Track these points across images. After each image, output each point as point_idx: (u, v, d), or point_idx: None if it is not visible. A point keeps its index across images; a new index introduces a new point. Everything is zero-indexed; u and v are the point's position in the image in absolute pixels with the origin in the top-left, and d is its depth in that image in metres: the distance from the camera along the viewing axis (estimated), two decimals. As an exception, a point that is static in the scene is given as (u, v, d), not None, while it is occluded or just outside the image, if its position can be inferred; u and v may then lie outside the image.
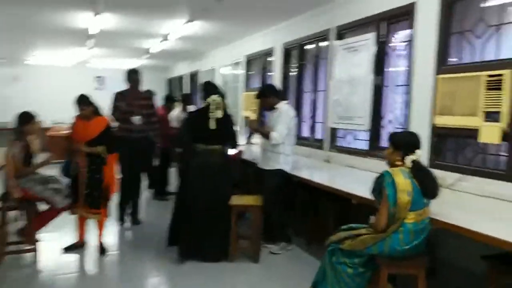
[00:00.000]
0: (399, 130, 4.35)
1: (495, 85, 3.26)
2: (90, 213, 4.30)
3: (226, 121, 4.21)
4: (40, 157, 4.32)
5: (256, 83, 8.20)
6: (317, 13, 5.86)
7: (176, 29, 7.49)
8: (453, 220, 2.61)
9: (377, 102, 4.79)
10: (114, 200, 4.70)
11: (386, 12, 4.58)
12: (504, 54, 3.39)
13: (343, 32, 5.39)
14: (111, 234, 4.83)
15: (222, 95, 4.25)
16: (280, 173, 4.38)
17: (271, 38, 7.37)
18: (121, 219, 5.27)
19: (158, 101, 7.04)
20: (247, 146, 6.88)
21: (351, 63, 5.10)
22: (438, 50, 3.88)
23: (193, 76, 12.42)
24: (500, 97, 3.22)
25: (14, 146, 4.02)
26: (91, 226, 4.54)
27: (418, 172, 2.71)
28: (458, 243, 3.26)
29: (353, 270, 2.80)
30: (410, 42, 4.28)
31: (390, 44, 4.73)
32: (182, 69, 13.49)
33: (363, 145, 5.09)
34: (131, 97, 5.01)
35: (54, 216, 4.25)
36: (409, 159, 2.75)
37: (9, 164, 3.98)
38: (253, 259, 4.17)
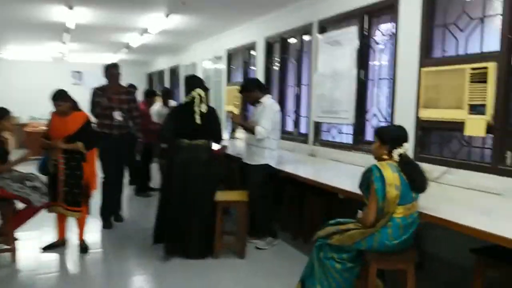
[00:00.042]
0: (385, 124, 4.36)
1: (479, 78, 3.28)
2: (69, 211, 4.18)
3: (211, 116, 4.12)
4: (16, 154, 4.18)
5: (239, 78, 8.14)
6: (299, 6, 5.81)
7: (155, 23, 7.35)
8: (441, 214, 2.60)
9: (361, 96, 4.79)
10: (95, 197, 4.57)
11: (369, 5, 4.56)
12: (488, 47, 3.40)
13: (325, 25, 5.36)
14: (92, 232, 4.71)
15: (206, 89, 4.17)
16: (266, 168, 4.33)
17: (252, 31, 7.30)
18: (108, 225, 5.07)
19: (139, 95, 6.92)
20: (231, 141, 6.83)
21: (335, 57, 5.08)
22: (422, 43, 3.88)
23: (174, 70, 12.26)
24: (485, 90, 3.23)
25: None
26: (72, 224, 4.42)
27: (406, 165, 2.69)
28: (445, 236, 3.29)
29: (341, 266, 2.77)
30: (393, 35, 4.27)
31: (373, 38, 4.72)
32: (163, 64, 13.31)
33: (348, 139, 5.09)
34: (111, 92, 4.87)
35: (32, 215, 4.13)
36: (396, 153, 2.72)
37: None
38: (239, 255, 4.12)
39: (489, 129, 3.24)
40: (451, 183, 3.48)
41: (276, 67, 6.74)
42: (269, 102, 4.41)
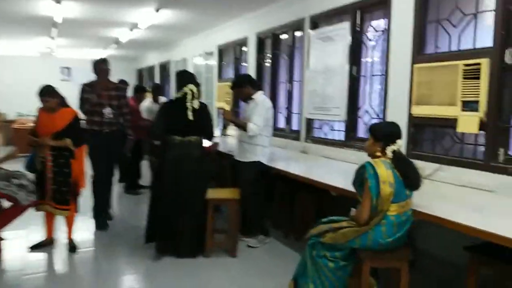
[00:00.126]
0: (377, 121, 4.34)
1: (472, 74, 3.25)
2: (58, 209, 4.12)
3: (203, 112, 4.06)
4: (3, 152, 4.09)
5: (230, 74, 8.07)
6: (291, 1, 5.77)
7: (145, 17, 7.26)
8: (433, 211, 2.58)
9: (353, 92, 4.76)
10: (84, 195, 4.50)
11: (361, 0, 4.54)
12: (481, 43, 3.38)
13: (317, 21, 5.32)
14: (81, 231, 4.64)
15: (198, 85, 4.11)
16: (258, 165, 4.29)
17: (244, 27, 7.23)
18: (101, 226, 4.94)
19: (128, 91, 6.83)
20: (222, 138, 6.78)
21: (327, 53, 5.05)
22: (414, 39, 3.85)
23: (164, 66, 12.16)
24: (478, 86, 3.21)
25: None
26: (60, 223, 4.35)
27: (400, 162, 2.67)
28: (436, 233, 3.27)
29: (334, 264, 2.74)
30: (386, 31, 4.24)
31: (366, 34, 4.69)
32: (153, 59, 13.19)
33: (340, 136, 5.06)
34: (100, 88, 4.77)
35: (19, 214, 4.03)
36: (389, 150, 2.69)
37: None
38: (231, 253, 4.08)
39: (482, 126, 3.23)
40: (444, 180, 3.46)
41: (267, 63, 6.69)
42: (261, 98, 4.37)
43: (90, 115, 4.73)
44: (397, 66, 4.05)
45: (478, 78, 3.21)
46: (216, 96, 8.38)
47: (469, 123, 3.27)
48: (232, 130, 7.18)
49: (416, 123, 3.84)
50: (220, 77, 8.46)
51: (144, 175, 7.06)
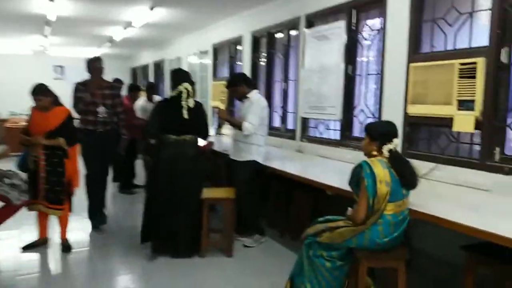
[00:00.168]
0: (373, 120, 4.33)
1: (468, 73, 3.25)
2: (51, 209, 4.08)
3: (198, 111, 4.03)
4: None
5: (225, 73, 8.04)
6: (287, 0, 5.74)
7: (139, 16, 7.21)
8: (429, 210, 2.57)
9: (348, 91, 4.75)
10: (78, 195, 4.46)
11: (357, -1, 4.52)
12: (477, 42, 3.38)
13: (313, 20, 5.30)
14: (76, 230, 4.60)
15: (193, 83, 4.07)
16: (253, 164, 4.27)
17: (238, 25, 7.20)
18: (97, 226, 4.88)
19: (124, 90, 6.79)
20: (217, 137, 6.75)
21: (322, 52, 5.03)
22: (410, 38, 3.85)
23: (159, 65, 12.10)
24: (474, 85, 3.21)
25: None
26: (54, 222, 4.31)
27: (396, 162, 2.65)
28: (432, 232, 3.27)
29: (331, 264, 2.73)
30: (381, 30, 4.23)
31: (361, 33, 4.68)
32: (147, 58, 13.12)
33: (335, 135, 5.05)
34: (94, 87, 4.72)
35: (11, 214, 3.97)
36: (386, 149, 2.68)
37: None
38: (226, 253, 4.06)
39: (478, 125, 3.22)
40: (440, 179, 3.46)
41: (262, 62, 6.66)
42: (256, 97, 4.34)
43: (84, 115, 4.68)
44: (392, 65, 4.04)
45: (474, 77, 3.21)
46: (211, 95, 8.35)
47: (465, 122, 3.27)
48: (227, 129, 7.15)
49: (411, 122, 3.83)
50: (215, 76, 8.43)
51: (138, 174, 7.02)
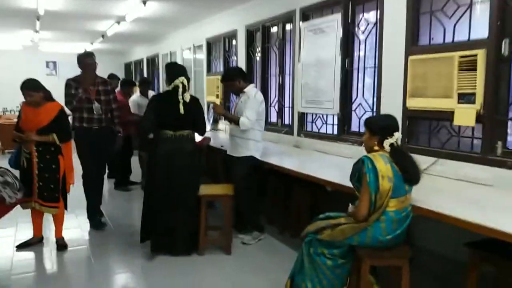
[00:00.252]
0: (371, 114, 4.28)
1: (468, 66, 3.20)
2: (45, 207, 4.01)
3: (194, 105, 3.95)
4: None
5: (219, 67, 7.96)
6: (281, -8, 5.67)
7: (132, 10, 7.09)
8: (431, 206, 2.53)
9: (346, 85, 4.70)
10: (74, 192, 4.39)
11: (353, -8, 4.46)
12: (476, 34, 3.33)
13: (308, 13, 5.24)
14: (72, 228, 4.54)
15: (188, 79, 3.99)
16: (251, 159, 4.21)
17: (232, 19, 7.11)
18: (97, 226, 4.79)
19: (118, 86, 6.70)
20: (213, 133, 6.69)
21: (318, 45, 4.97)
22: (408, 31, 3.79)
23: (153, 60, 11.99)
24: (474, 78, 3.17)
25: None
26: (49, 220, 4.24)
27: (398, 156, 2.60)
28: (432, 228, 3.24)
29: (332, 262, 2.68)
30: (378, 22, 4.17)
31: (358, 25, 4.62)
32: (141, 53, 13.00)
33: (333, 130, 4.99)
34: (87, 84, 4.61)
35: (5, 212, 3.90)
36: (387, 143, 2.63)
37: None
38: (225, 251, 4.00)
39: (479, 118, 3.18)
40: (440, 174, 3.42)
41: (258, 56, 6.59)
42: (253, 91, 4.27)
43: (79, 112, 4.58)
44: (391, 59, 3.99)
45: (474, 69, 3.16)
46: (206, 90, 8.27)
47: (465, 116, 3.22)
48: (222, 125, 7.08)
49: (411, 116, 3.78)
50: (209, 70, 8.35)
51: (134, 171, 6.94)
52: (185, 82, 3.88)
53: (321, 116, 5.23)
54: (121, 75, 13.33)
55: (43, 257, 4.02)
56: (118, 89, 6.46)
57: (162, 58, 10.81)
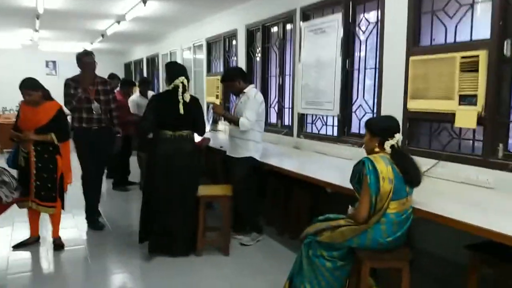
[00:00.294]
0: (372, 116, 4.25)
1: (470, 67, 3.17)
2: (42, 206, 3.98)
3: (194, 106, 3.92)
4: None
5: (219, 67, 7.93)
6: (282, -8, 5.65)
7: (131, 9, 7.07)
8: (432, 208, 2.51)
9: (346, 86, 4.67)
10: (72, 192, 4.36)
11: (354, -9, 4.43)
12: (478, 35, 3.30)
13: (309, 13, 5.21)
14: (69, 228, 4.51)
15: (188, 80, 3.95)
16: (250, 160, 4.18)
17: (232, 19, 7.09)
18: (96, 226, 4.75)
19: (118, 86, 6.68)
20: (212, 133, 6.66)
21: (319, 45, 4.95)
22: (409, 31, 3.76)
23: (152, 60, 11.96)
24: (476, 79, 3.13)
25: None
26: (46, 220, 4.21)
27: (399, 158, 2.57)
28: (432, 230, 3.21)
29: (331, 264, 2.65)
30: (379, 23, 4.14)
31: (359, 26, 4.59)
32: (140, 53, 12.98)
33: (333, 131, 4.96)
34: (86, 83, 4.58)
35: (1, 212, 3.89)
36: (388, 145, 2.60)
37: None
38: (223, 252, 3.97)
39: (480, 120, 3.14)
40: (441, 176, 3.39)
41: (258, 56, 6.56)
42: (253, 92, 4.24)
43: (78, 112, 4.54)
44: (391, 59, 3.96)
45: (476, 70, 3.13)
46: (206, 91, 8.24)
47: (467, 118, 3.19)
48: (222, 125, 7.05)
49: (412, 117, 3.75)
50: (209, 71, 8.32)
51: (132, 171, 6.91)
52: (185, 82, 3.85)
53: (321, 117, 5.20)
54: (121, 75, 13.31)
55: (40, 256, 3.99)
56: (117, 89, 6.44)
57: (162, 58, 10.78)
